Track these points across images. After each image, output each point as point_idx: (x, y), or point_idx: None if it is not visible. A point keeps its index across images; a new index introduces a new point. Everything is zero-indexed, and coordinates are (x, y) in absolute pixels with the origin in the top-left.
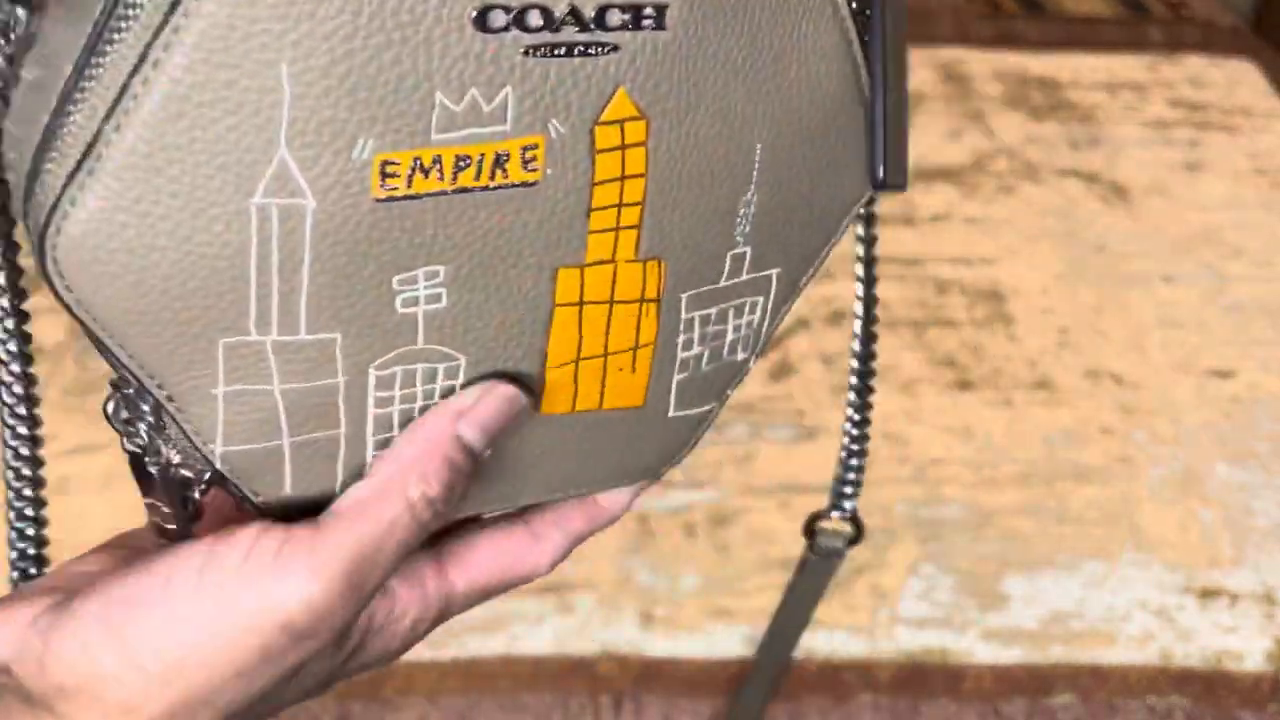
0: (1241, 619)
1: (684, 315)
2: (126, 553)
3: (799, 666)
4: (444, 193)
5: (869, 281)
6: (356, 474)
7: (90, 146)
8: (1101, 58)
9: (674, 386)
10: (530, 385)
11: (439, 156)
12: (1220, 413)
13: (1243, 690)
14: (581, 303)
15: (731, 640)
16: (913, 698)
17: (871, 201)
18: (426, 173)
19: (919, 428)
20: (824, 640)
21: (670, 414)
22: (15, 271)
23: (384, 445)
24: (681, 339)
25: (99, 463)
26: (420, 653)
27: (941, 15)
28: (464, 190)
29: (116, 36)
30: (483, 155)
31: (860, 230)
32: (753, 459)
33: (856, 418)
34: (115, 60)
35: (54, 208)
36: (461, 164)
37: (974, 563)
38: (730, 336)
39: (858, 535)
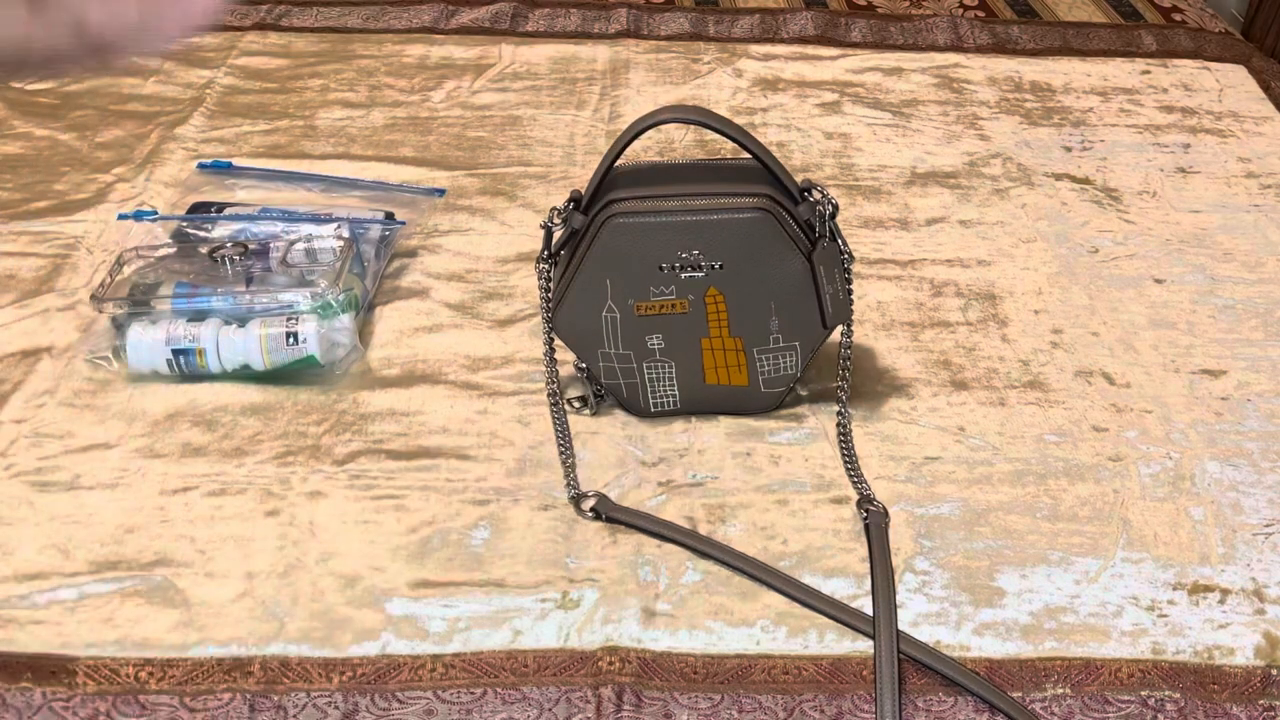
0: (1232, 614)
1: (756, 354)
2: None
3: (795, 662)
4: (659, 314)
5: (845, 364)
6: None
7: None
8: (1094, 63)
9: (760, 380)
10: (699, 371)
11: (655, 304)
12: (1210, 412)
13: (1233, 684)
14: (711, 348)
15: (731, 636)
16: (908, 692)
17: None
18: (652, 307)
19: (914, 427)
20: (819, 635)
21: (761, 390)
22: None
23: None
24: (758, 362)
25: (109, 461)
26: (426, 647)
27: (937, 22)
28: (665, 313)
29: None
30: (671, 303)
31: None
32: (753, 458)
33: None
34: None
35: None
36: (662, 305)
37: (969, 559)
38: (781, 365)
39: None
